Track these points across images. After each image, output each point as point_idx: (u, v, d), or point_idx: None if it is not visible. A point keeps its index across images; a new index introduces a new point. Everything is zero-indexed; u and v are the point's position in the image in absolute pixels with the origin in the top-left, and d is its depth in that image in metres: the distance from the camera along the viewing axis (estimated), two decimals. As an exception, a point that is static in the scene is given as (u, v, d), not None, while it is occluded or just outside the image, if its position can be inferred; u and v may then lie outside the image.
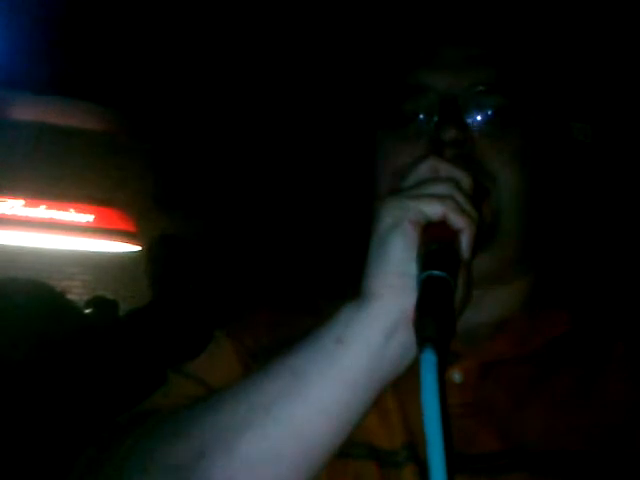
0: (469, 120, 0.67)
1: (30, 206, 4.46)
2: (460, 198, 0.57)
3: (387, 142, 0.71)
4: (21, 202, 4.44)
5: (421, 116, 0.68)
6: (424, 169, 0.59)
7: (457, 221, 0.55)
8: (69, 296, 2.35)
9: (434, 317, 0.50)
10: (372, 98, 0.74)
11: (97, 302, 3.79)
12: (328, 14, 3.14)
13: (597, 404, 0.61)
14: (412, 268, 0.54)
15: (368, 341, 0.56)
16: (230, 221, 4.93)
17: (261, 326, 0.75)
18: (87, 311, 3.50)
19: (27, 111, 4.77)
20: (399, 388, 0.60)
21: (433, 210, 0.55)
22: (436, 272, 0.52)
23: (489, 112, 0.67)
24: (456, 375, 0.64)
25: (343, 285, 0.74)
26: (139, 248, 4.56)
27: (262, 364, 0.61)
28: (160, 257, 2.89)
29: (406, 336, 0.54)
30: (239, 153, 4.76)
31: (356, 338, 0.56)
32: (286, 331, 0.71)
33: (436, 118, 0.67)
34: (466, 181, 0.59)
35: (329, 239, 4.09)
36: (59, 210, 4.55)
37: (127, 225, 4.72)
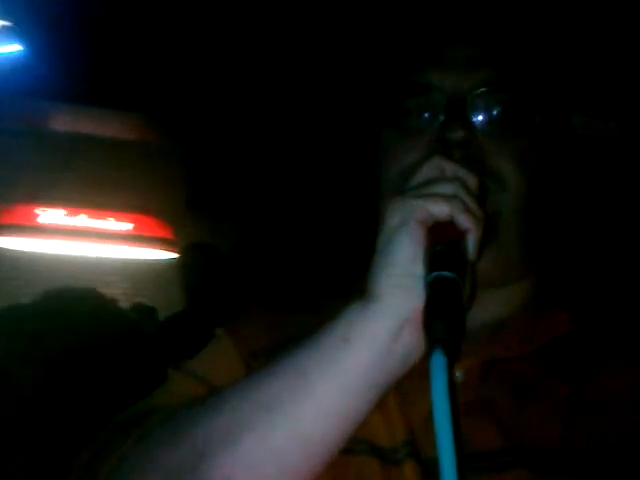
0: (474, 120, 0.66)
1: (71, 215, 4.55)
2: (467, 198, 0.56)
3: (392, 141, 0.71)
4: (62, 212, 4.53)
5: (426, 115, 0.68)
6: (430, 169, 0.59)
7: (464, 221, 0.55)
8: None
9: (444, 319, 0.49)
10: (377, 96, 0.74)
11: (138, 309, 3.83)
12: (337, 12, 3.14)
13: (597, 403, 0.61)
14: (419, 268, 0.54)
15: (373, 341, 0.55)
16: (265, 226, 4.94)
17: (262, 325, 0.75)
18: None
19: (65, 122, 4.87)
20: (400, 385, 0.59)
21: (440, 210, 0.55)
22: (445, 273, 0.52)
23: (494, 112, 0.67)
24: (457, 374, 0.64)
25: (344, 284, 0.74)
26: (176, 255, 4.60)
27: (263, 363, 0.61)
28: (193, 265, 2.91)
29: (411, 336, 0.55)
30: (269, 155, 4.77)
31: (361, 338, 0.56)
32: (287, 330, 0.71)
33: (442, 117, 0.66)
34: (472, 181, 0.59)
35: (330, 238, 4.08)
36: (99, 219, 4.63)
37: (164, 232, 4.77)
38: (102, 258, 4.95)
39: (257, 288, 2.69)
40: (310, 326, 0.60)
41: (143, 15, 3.46)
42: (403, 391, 0.62)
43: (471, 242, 0.56)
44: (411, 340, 0.55)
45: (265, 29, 3.45)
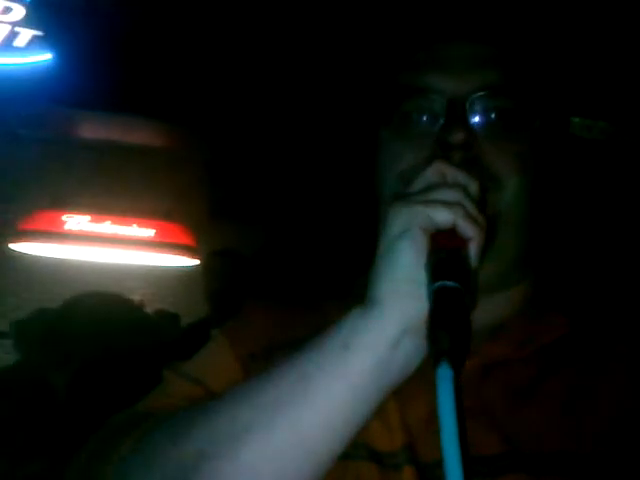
0: (474, 122, 0.66)
1: (96, 222, 4.60)
2: (469, 205, 0.56)
3: (391, 143, 0.71)
4: (87, 218, 4.58)
5: (426, 118, 0.68)
6: (431, 173, 0.59)
7: (467, 229, 0.55)
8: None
9: (449, 330, 0.49)
10: (377, 99, 0.73)
11: (160, 315, 3.85)
12: (337, 13, 3.15)
13: (596, 406, 0.60)
14: (421, 275, 0.54)
15: (374, 348, 0.55)
16: (289, 232, 4.95)
17: (260, 327, 0.74)
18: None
19: (91, 129, 4.94)
20: (399, 390, 0.59)
21: (443, 218, 0.55)
22: (449, 283, 0.51)
23: (494, 115, 0.66)
24: None
25: (343, 285, 0.74)
26: (198, 262, 4.63)
27: (262, 364, 0.62)
28: (217, 271, 2.91)
29: (412, 343, 0.54)
30: (286, 159, 4.80)
31: (362, 344, 0.55)
32: (287, 331, 0.71)
33: (442, 120, 0.66)
34: (474, 187, 0.58)
35: (329, 239, 4.07)
36: (123, 225, 4.67)
37: (188, 239, 4.80)
38: (125, 264, 5.00)
39: (257, 289, 2.69)
40: (309, 327, 0.60)
41: (169, 25, 3.51)
42: (401, 395, 0.61)
43: (473, 249, 0.56)
44: (411, 347, 0.55)
45: (279, 35, 3.48)
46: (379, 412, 0.60)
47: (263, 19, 3.36)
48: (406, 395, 0.61)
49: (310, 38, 3.39)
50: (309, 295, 0.80)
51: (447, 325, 0.49)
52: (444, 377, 0.48)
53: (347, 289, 0.64)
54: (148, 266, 5.05)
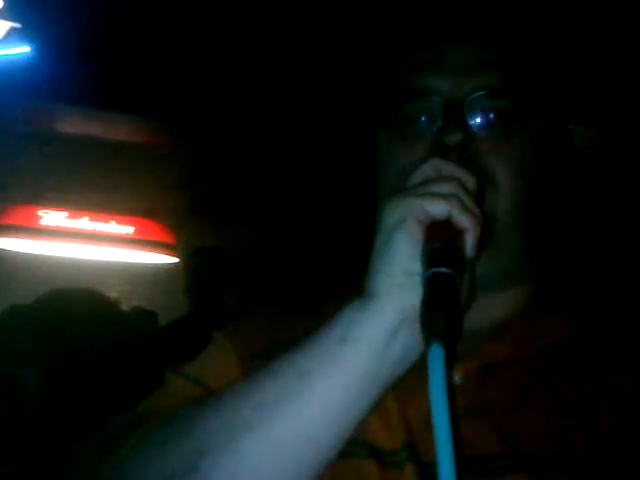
0: (472, 123, 0.66)
1: (73, 218, 4.54)
2: (464, 197, 0.56)
3: (389, 143, 0.72)
4: (65, 214, 4.52)
5: (424, 119, 0.68)
6: (428, 169, 0.59)
7: (462, 220, 0.55)
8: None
9: (442, 312, 0.49)
10: (376, 99, 0.74)
11: (138, 313, 3.81)
12: (335, 15, 3.16)
13: (596, 406, 0.61)
14: (417, 266, 0.54)
15: (372, 340, 0.55)
16: (270, 231, 4.94)
17: (259, 327, 0.75)
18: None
19: (70, 124, 4.87)
20: (399, 388, 0.59)
21: (438, 209, 0.55)
22: (442, 269, 0.51)
23: (492, 116, 0.67)
24: (456, 377, 0.64)
25: (342, 286, 0.74)
26: (177, 260, 4.59)
27: (261, 365, 0.61)
28: (196, 269, 2.89)
29: (409, 335, 0.54)
30: (271, 158, 4.79)
31: (360, 337, 0.56)
32: (286, 331, 0.71)
33: (440, 121, 0.66)
34: (470, 181, 0.59)
35: (328, 240, 4.09)
36: (101, 222, 4.62)
37: (166, 237, 4.77)
38: (103, 261, 4.94)
39: (256, 290, 2.69)
40: (308, 328, 0.60)
41: (150, 20, 3.47)
42: (402, 392, 0.61)
43: (469, 241, 0.56)
44: (409, 339, 0.55)
45: (269, 34, 3.47)
46: (380, 410, 0.60)
47: (250, 14, 3.34)
48: (406, 393, 0.62)
49: (303, 36, 3.38)
50: (310, 297, 0.80)
51: (439, 307, 0.49)
52: (436, 357, 0.47)
53: (347, 291, 0.64)
54: (126, 263, 5.01)
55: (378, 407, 0.59)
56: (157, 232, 4.77)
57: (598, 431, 0.60)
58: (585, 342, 0.67)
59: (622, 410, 0.61)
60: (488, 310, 0.69)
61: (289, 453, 0.56)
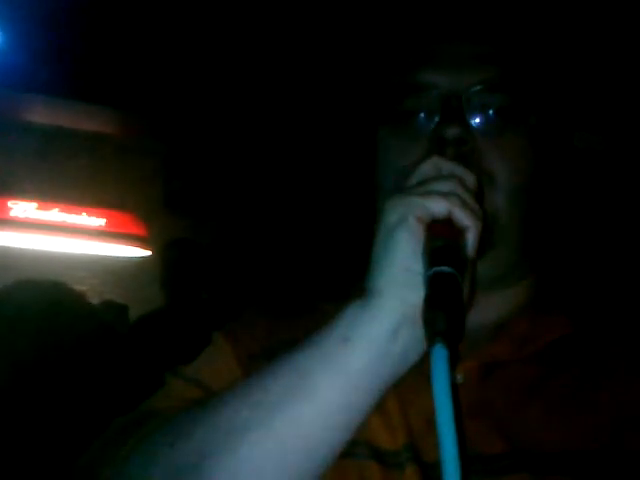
0: (470, 119, 0.66)
1: (43, 209, 4.46)
2: (465, 195, 0.56)
3: (388, 140, 0.71)
4: (34, 205, 4.44)
5: (422, 114, 0.68)
6: (427, 167, 0.59)
7: (463, 218, 0.55)
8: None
9: (444, 311, 0.49)
10: (374, 95, 0.74)
11: (108, 306, 3.77)
12: (332, 13, 3.15)
13: (597, 405, 0.61)
14: (418, 265, 0.54)
15: (373, 339, 0.55)
16: (242, 225, 4.92)
17: (259, 328, 0.75)
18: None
19: (39, 114, 4.78)
20: (400, 388, 0.59)
21: (438, 207, 0.55)
22: (444, 268, 0.51)
23: (491, 111, 0.67)
24: (457, 376, 0.64)
25: (342, 286, 0.74)
26: (149, 253, 4.55)
27: (262, 365, 0.61)
28: (171, 261, 2.87)
29: (411, 334, 0.54)
30: (248, 154, 4.76)
31: (361, 336, 0.55)
32: (285, 333, 0.71)
33: (438, 116, 0.66)
34: (470, 179, 0.59)
35: (327, 240, 4.09)
36: (72, 213, 4.55)
37: (138, 229, 4.71)
38: (73, 253, 4.87)
39: (255, 290, 2.68)
40: (309, 327, 0.60)
41: (123, 10, 3.42)
42: (403, 392, 0.61)
43: (470, 239, 0.56)
44: (410, 338, 0.55)
45: (253, 27, 3.44)
46: (381, 411, 0.60)
47: (226, 7, 3.31)
48: (408, 394, 0.62)
49: (291, 28, 3.35)
50: (309, 298, 0.80)
51: (442, 306, 0.49)
52: (439, 357, 0.47)
53: (347, 291, 0.64)
54: (97, 256, 4.94)
55: (379, 407, 0.59)
56: (129, 224, 4.72)
57: (600, 430, 0.60)
58: (585, 341, 0.67)
59: (624, 408, 0.61)
60: (488, 309, 0.69)
61: (290, 452, 0.56)
